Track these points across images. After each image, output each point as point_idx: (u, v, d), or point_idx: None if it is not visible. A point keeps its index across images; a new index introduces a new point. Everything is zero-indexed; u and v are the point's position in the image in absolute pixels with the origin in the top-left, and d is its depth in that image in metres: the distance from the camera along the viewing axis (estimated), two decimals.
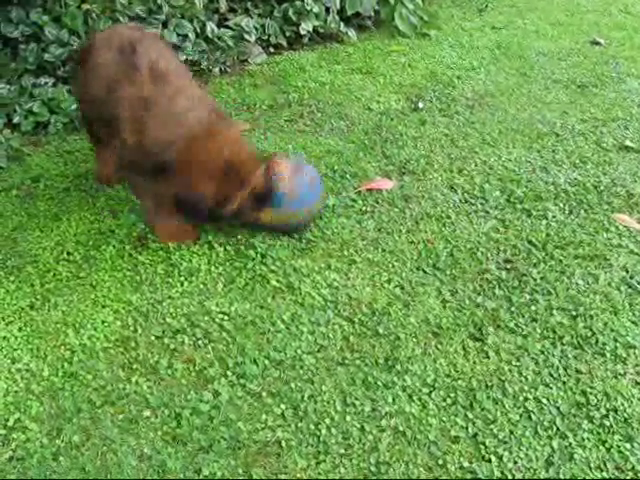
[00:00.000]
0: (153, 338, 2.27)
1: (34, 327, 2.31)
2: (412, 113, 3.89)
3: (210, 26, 4.27)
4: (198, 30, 4.23)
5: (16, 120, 3.44)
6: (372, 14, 5.26)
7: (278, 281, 2.53)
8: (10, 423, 1.98)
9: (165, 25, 4.05)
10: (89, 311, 2.38)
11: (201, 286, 2.50)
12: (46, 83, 3.61)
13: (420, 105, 3.97)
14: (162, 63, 2.56)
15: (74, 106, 3.48)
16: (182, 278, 2.53)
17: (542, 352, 2.27)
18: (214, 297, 2.45)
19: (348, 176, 3.19)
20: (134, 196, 2.77)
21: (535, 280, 2.57)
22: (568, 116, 3.90)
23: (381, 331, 2.32)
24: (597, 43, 5.14)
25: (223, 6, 4.46)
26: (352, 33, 5.04)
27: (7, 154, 3.26)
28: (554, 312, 2.43)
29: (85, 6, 3.70)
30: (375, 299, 2.46)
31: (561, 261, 2.68)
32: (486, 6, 6.04)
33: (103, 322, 2.33)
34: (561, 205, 3.02)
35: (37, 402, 2.04)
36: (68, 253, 2.65)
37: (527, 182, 3.19)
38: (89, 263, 2.60)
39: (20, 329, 2.30)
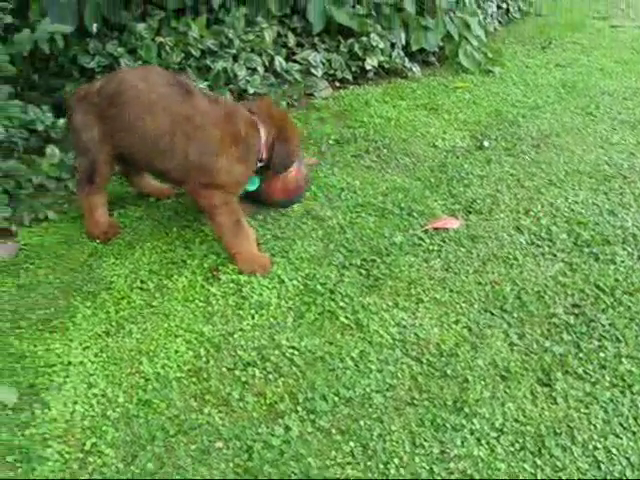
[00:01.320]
0: (224, 370, 2.32)
1: (109, 353, 2.38)
2: (477, 151, 3.91)
3: (278, 60, 4.39)
4: (267, 64, 4.35)
5: None
6: (436, 50, 5.32)
7: (347, 317, 2.56)
8: (87, 447, 2.03)
9: (235, 59, 4.17)
10: (162, 340, 2.44)
11: (271, 320, 2.54)
12: None
13: (485, 143, 3.99)
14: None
15: None
16: (253, 311, 2.57)
17: (611, 400, 2.25)
18: (284, 331, 2.49)
19: (415, 214, 3.21)
20: (212, 221, 2.80)
21: (604, 326, 2.56)
22: (635, 158, 3.88)
23: (449, 372, 2.33)
24: None
25: (291, 41, 4.57)
26: (416, 69, 5.10)
27: None
28: (623, 360, 2.41)
29: (159, 39, 3.84)
30: (443, 340, 2.47)
31: (630, 307, 2.66)
32: (550, 43, 6.05)
33: (176, 352, 2.38)
34: (629, 249, 3.00)
35: (113, 428, 2.10)
36: (142, 281, 2.72)
37: (594, 225, 3.17)
38: (162, 292, 2.67)
39: (96, 355, 2.37)
